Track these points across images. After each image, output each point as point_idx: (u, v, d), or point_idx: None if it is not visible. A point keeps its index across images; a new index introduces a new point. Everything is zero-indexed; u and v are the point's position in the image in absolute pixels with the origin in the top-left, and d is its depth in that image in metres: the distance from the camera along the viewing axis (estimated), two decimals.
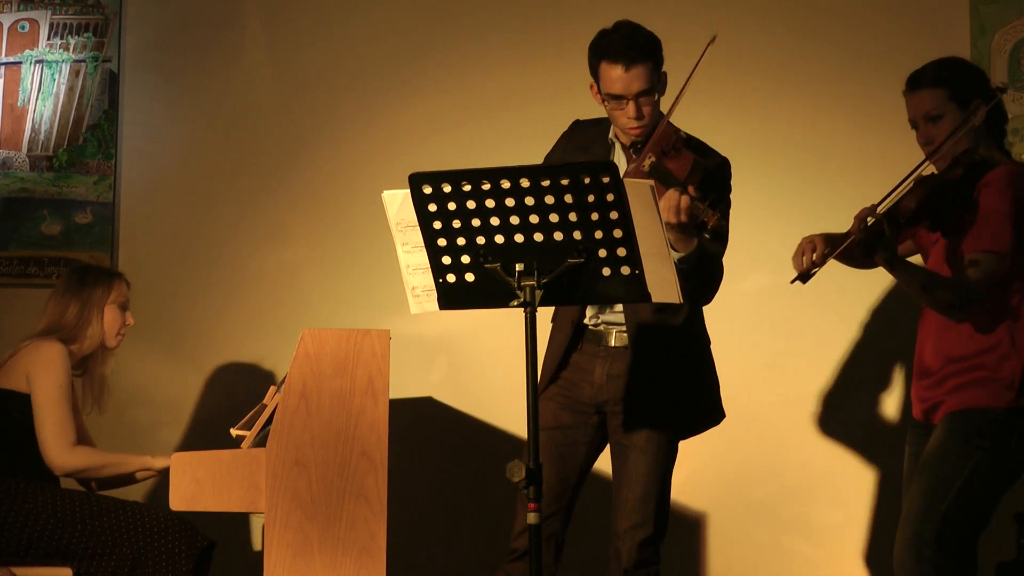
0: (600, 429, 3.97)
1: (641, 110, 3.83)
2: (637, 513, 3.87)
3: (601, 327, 3.94)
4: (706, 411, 3.99)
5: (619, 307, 3.92)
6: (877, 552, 5.00)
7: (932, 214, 3.66)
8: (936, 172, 3.73)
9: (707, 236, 3.71)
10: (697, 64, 3.69)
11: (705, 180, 3.71)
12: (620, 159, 3.95)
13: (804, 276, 3.69)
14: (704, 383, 3.98)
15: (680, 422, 3.95)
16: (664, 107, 3.88)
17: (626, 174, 3.76)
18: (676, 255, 3.61)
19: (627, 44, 3.82)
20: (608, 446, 4.02)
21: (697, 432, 4.02)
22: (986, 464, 3.60)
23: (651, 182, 3.37)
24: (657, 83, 3.86)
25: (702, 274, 3.76)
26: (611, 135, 4.00)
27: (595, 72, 3.90)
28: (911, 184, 3.65)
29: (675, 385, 3.90)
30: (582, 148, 3.99)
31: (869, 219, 3.59)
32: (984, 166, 3.67)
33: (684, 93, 3.73)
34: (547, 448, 3.87)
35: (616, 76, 3.82)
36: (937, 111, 3.71)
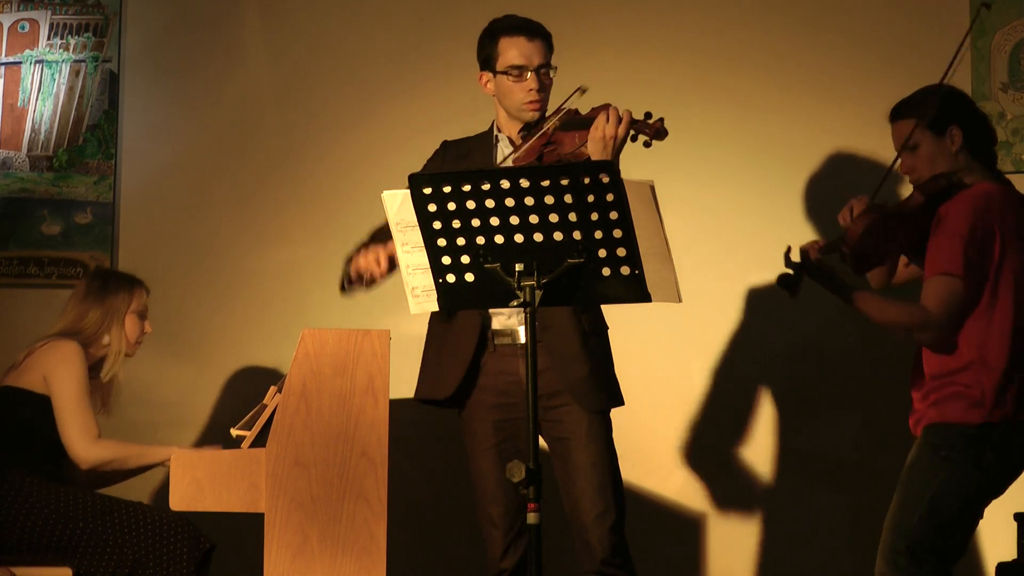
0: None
1: (542, 82, 3.94)
2: (599, 501, 3.90)
3: (514, 322, 3.95)
4: (613, 391, 4.02)
5: None
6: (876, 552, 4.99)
7: (891, 241, 3.71)
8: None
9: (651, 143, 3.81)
10: (562, 106, 3.83)
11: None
12: (506, 153, 3.98)
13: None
14: (609, 364, 4.02)
15: (604, 400, 3.98)
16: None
17: (522, 146, 3.85)
18: None
19: (525, 20, 4.01)
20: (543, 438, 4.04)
21: (609, 407, 4.02)
22: (954, 476, 3.62)
23: (651, 182, 3.37)
24: (550, 64, 3.98)
25: None
26: (495, 129, 4.04)
27: (491, 56, 4.00)
28: (859, 216, 3.72)
29: (592, 369, 3.93)
30: (460, 157, 4.06)
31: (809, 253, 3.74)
32: (952, 190, 3.71)
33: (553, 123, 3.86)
34: (498, 467, 3.91)
35: (519, 47, 3.96)
36: (912, 141, 3.75)
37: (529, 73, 3.94)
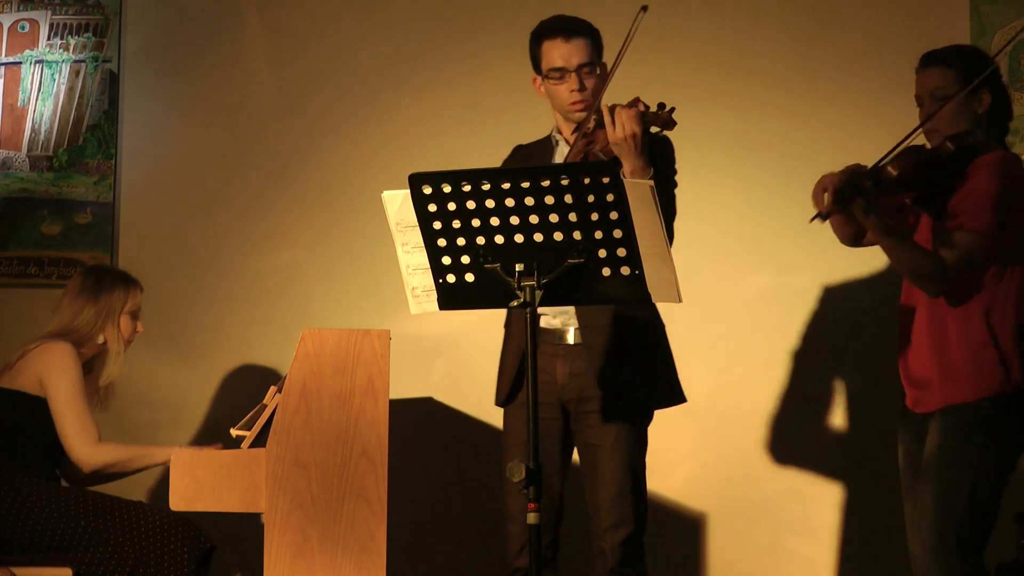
0: (567, 430, 3.98)
1: (583, 82, 3.92)
2: (615, 512, 3.89)
3: (559, 324, 3.94)
4: (664, 391, 4.00)
5: None
6: (877, 552, 5.00)
7: (915, 185, 3.67)
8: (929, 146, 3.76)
9: (662, 136, 3.82)
10: (629, 35, 3.74)
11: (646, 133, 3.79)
12: (563, 154, 3.98)
13: (825, 215, 3.67)
14: (661, 365, 3.99)
15: (643, 406, 3.96)
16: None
17: (571, 148, 3.86)
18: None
19: (565, 21, 3.98)
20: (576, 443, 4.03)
21: (656, 409, 4.01)
22: (989, 461, 3.63)
23: (651, 182, 3.38)
24: (597, 61, 3.96)
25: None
26: (553, 132, 4.04)
27: (537, 59, 4.00)
28: (899, 151, 3.68)
29: (635, 373, 3.91)
30: (524, 159, 4.05)
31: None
32: (978, 149, 3.70)
33: (619, 65, 3.80)
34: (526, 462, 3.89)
35: (557, 49, 3.94)
36: (943, 91, 3.73)
37: (570, 74, 3.93)
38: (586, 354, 3.91)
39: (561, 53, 3.93)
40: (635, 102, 3.77)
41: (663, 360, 4.00)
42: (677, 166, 4.02)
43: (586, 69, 3.94)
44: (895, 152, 3.69)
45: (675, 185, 3.99)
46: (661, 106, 3.76)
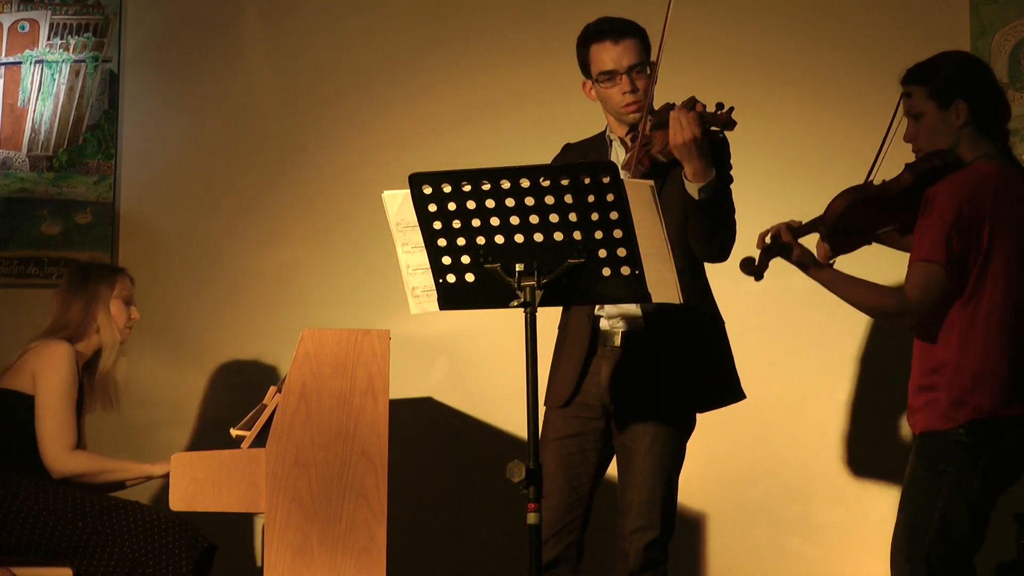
0: (607, 432, 3.96)
1: (635, 83, 3.89)
2: (643, 516, 3.86)
3: (608, 327, 3.92)
4: (719, 388, 3.96)
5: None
6: (877, 552, 4.99)
7: (872, 222, 3.61)
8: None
9: (721, 136, 3.81)
10: (664, 27, 3.72)
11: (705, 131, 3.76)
12: (619, 155, 3.95)
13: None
14: (716, 362, 3.95)
15: (692, 401, 3.93)
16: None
17: (631, 151, 3.84)
18: (694, 186, 3.71)
19: (612, 23, 3.93)
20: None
21: (713, 407, 3.98)
22: (956, 490, 3.49)
23: (651, 183, 3.37)
24: (647, 61, 3.92)
25: (719, 210, 3.79)
26: (607, 133, 4.01)
27: (585, 63, 3.96)
28: (842, 192, 3.62)
29: (681, 373, 3.88)
30: (578, 157, 4.00)
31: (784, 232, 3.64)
32: (947, 169, 3.58)
33: (661, 59, 3.79)
34: (558, 458, 3.88)
35: (606, 52, 3.89)
36: (916, 108, 3.63)
37: (621, 76, 3.88)
38: (627, 357, 3.89)
39: (611, 56, 3.88)
40: (692, 103, 3.72)
41: (711, 363, 3.95)
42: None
43: (637, 70, 3.88)
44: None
45: (731, 180, 3.95)
46: (719, 106, 3.70)
